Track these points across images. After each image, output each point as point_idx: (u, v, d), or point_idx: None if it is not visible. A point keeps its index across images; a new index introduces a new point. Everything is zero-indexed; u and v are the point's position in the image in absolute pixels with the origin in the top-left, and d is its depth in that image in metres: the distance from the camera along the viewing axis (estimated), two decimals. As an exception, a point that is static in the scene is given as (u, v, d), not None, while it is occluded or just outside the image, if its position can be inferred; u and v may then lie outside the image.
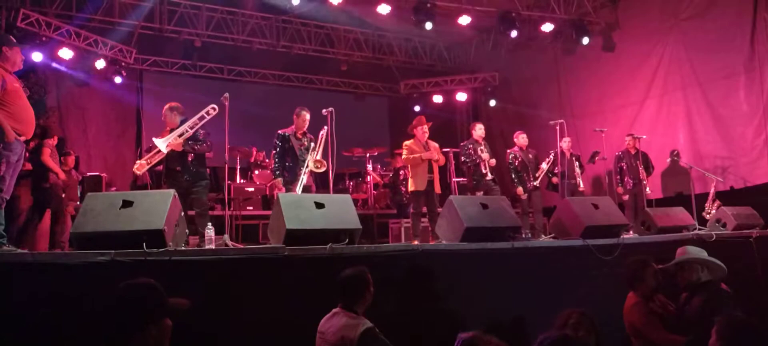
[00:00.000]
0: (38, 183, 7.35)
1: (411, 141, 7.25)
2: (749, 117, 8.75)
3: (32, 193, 7.40)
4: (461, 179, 10.29)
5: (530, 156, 8.41)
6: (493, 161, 7.89)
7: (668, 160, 9.05)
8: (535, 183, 8.29)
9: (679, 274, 4.05)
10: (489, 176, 7.76)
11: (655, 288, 4.03)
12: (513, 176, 8.29)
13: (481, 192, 7.65)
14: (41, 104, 9.13)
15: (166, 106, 6.32)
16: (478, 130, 8.04)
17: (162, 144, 5.98)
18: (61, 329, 3.47)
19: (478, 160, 7.79)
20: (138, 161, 6.18)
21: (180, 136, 6.07)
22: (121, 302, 2.06)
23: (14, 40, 4.76)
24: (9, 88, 4.45)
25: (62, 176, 7.46)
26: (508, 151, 8.48)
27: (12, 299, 3.47)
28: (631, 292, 4.04)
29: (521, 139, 8.47)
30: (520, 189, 8.17)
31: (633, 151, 8.86)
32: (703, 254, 4.17)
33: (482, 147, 7.88)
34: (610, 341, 4.02)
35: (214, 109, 6.14)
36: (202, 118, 6.16)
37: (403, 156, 7.21)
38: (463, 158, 8.01)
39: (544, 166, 8.35)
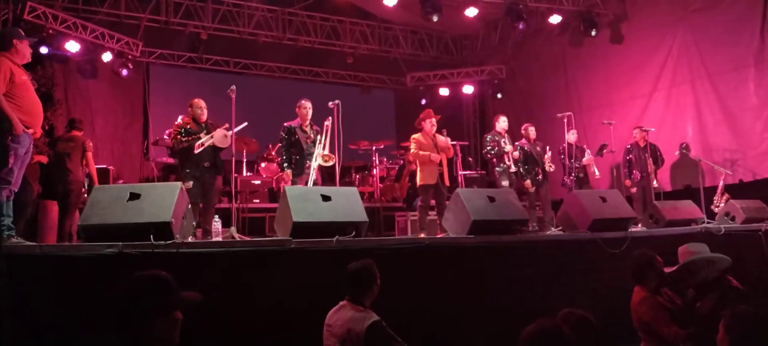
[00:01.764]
0: (61, 178, 7.30)
1: (419, 135, 7.20)
2: (759, 109, 8.68)
3: (50, 185, 7.37)
4: (469, 172, 10.28)
5: (538, 149, 8.36)
6: (517, 153, 7.94)
7: (677, 153, 8.99)
8: (550, 168, 8.22)
9: (686, 276, 4.03)
10: (513, 169, 7.81)
11: (661, 282, 4.01)
12: (520, 168, 8.26)
13: (506, 182, 7.73)
14: (48, 97, 9.14)
15: (202, 102, 6.52)
16: (502, 123, 8.09)
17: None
18: (70, 321, 3.48)
19: (501, 152, 7.85)
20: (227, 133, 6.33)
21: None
22: (131, 295, 2.05)
23: (23, 33, 4.77)
24: (17, 81, 4.47)
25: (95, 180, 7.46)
26: (516, 143, 8.44)
27: (20, 291, 3.49)
28: (638, 286, 4.02)
29: (530, 131, 8.41)
30: (527, 182, 8.14)
31: (642, 144, 8.79)
32: (705, 249, 4.15)
33: (505, 139, 7.95)
34: (617, 334, 4.01)
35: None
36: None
37: (412, 150, 7.16)
38: (486, 149, 8.07)
39: (548, 155, 8.31)
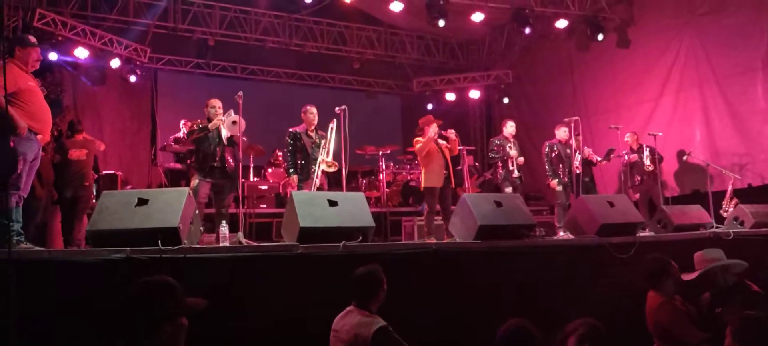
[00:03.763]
0: (74, 183, 7.40)
1: (421, 138, 7.22)
2: (767, 113, 8.62)
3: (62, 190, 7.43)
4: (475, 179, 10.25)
5: (569, 150, 8.29)
6: (522, 159, 7.99)
7: (684, 158, 8.94)
8: (578, 169, 8.15)
9: (706, 282, 4.00)
10: (516, 173, 7.83)
11: (676, 289, 3.97)
12: (547, 167, 8.21)
13: (509, 189, 7.74)
14: (57, 103, 9.21)
15: (218, 102, 6.58)
16: (509, 128, 8.15)
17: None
18: (77, 326, 3.49)
19: (505, 157, 7.90)
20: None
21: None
22: (137, 300, 2.07)
23: (32, 40, 4.79)
24: (23, 87, 4.47)
25: None
26: (547, 142, 8.40)
27: (29, 296, 3.50)
28: (652, 291, 3.98)
29: (562, 132, 8.30)
30: (554, 182, 8.09)
31: (635, 147, 8.75)
32: (721, 254, 4.11)
33: (511, 144, 7.98)
34: (626, 340, 3.98)
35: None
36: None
37: (417, 148, 7.18)
38: (491, 154, 8.13)
39: (578, 158, 8.23)
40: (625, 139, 8.88)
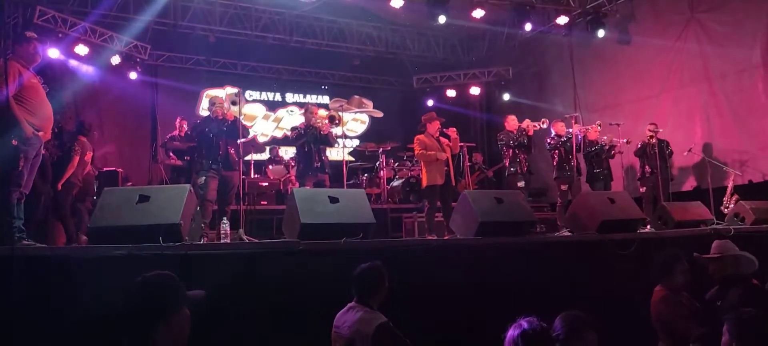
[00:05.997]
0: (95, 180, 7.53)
1: (423, 135, 7.20)
2: (767, 110, 8.62)
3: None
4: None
5: (569, 144, 8.34)
6: (539, 124, 8.26)
7: (685, 154, 8.94)
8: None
9: (722, 268, 3.99)
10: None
11: (684, 284, 3.97)
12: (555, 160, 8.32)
13: (522, 183, 7.99)
14: (58, 100, 9.20)
15: (218, 97, 6.69)
16: (511, 123, 8.39)
17: None
18: (80, 322, 3.50)
19: (522, 135, 8.16)
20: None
21: None
22: (140, 294, 2.07)
23: (31, 36, 4.78)
24: (26, 84, 4.49)
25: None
26: (547, 138, 8.46)
27: (31, 293, 3.51)
28: (659, 285, 3.99)
29: (559, 126, 8.47)
30: (564, 186, 8.16)
31: (653, 141, 8.73)
32: (737, 248, 4.12)
33: (515, 135, 8.24)
34: (629, 336, 3.98)
35: None
36: None
37: (417, 152, 7.18)
38: (501, 143, 8.39)
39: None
40: (647, 130, 8.88)
